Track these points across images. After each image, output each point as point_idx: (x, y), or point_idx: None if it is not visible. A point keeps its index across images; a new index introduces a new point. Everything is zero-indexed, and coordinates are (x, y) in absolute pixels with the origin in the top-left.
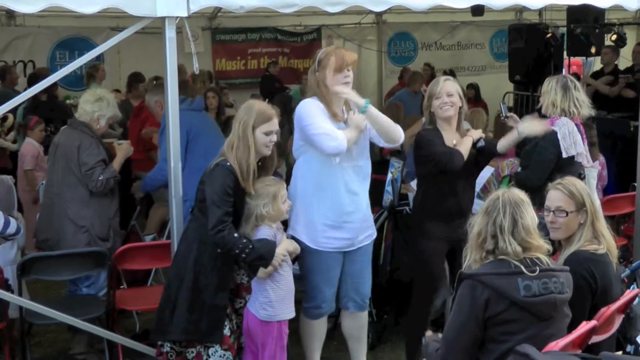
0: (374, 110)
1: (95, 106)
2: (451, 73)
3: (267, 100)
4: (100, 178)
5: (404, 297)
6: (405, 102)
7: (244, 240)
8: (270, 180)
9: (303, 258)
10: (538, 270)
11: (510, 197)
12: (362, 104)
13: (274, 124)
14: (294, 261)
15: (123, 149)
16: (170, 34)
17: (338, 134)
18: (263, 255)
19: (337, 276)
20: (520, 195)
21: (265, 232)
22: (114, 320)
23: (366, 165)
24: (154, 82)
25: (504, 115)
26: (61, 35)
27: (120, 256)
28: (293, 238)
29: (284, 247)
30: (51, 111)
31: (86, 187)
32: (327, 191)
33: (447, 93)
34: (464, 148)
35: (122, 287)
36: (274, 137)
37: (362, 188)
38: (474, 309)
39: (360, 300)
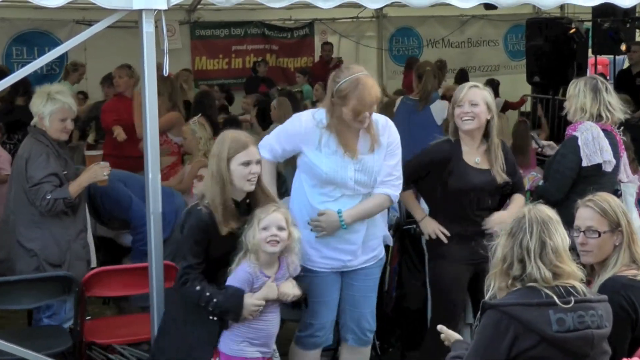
0: (352, 214)
1: (35, 106)
2: (463, 73)
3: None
4: (48, 197)
5: (413, 327)
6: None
7: (207, 294)
8: (270, 205)
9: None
10: (573, 302)
11: (537, 215)
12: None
13: (252, 153)
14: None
15: (90, 171)
16: (148, 28)
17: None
18: (229, 309)
19: (335, 300)
20: (549, 212)
21: (241, 270)
22: (81, 354)
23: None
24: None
25: (540, 147)
26: (19, 28)
27: (90, 281)
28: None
29: (262, 295)
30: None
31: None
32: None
33: (471, 102)
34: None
35: (88, 318)
36: (255, 168)
37: None
38: (498, 345)
39: (360, 333)
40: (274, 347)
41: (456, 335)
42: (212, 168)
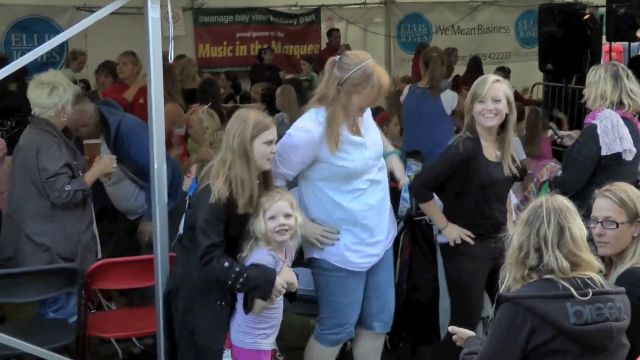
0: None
1: (54, 98)
2: (476, 60)
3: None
4: (67, 188)
5: (424, 321)
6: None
7: (237, 269)
8: (273, 192)
9: (323, 278)
10: (591, 294)
11: (554, 204)
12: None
13: (274, 132)
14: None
15: (102, 163)
16: (153, 14)
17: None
18: (260, 285)
19: (361, 297)
20: (566, 202)
21: (259, 256)
22: (85, 349)
23: (383, 177)
24: None
25: (559, 137)
26: (18, 15)
27: (95, 274)
28: (310, 260)
29: (284, 277)
30: (22, 102)
31: (48, 198)
32: (348, 214)
33: (494, 98)
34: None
35: (92, 311)
36: (274, 148)
37: (383, 196)
38: (514, 339)
39: (387, 318)
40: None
41: (469, 332)
42: (234, 146)
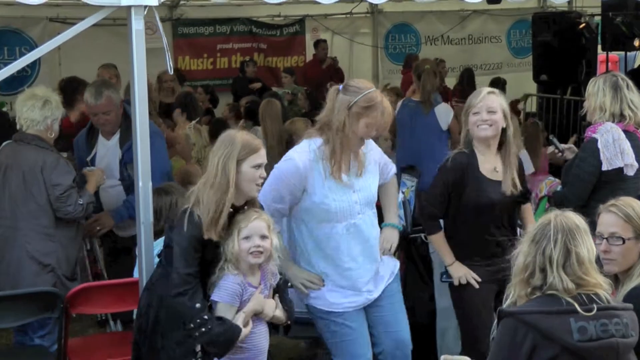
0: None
1: (46, 111)
2: (469, 72)
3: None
4: (80, 202)
5: (421, 343)
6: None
7: (204, 317)
8: (250, 211)
9: (319, 322)
10: (595, 309)
11: (563, 221)
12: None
13: (262, 156)
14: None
15: (95, 174)
16: (137, 26)
17: None
18: (219, 343)
19: (366, 330)
20: (576, 220)
21: (224, 284)
22: None
23: (372, 215)
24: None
25: (559, 149)
26: None
27: (75, 298)
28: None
29: (251, 308)
30: None
31: (51, 216)
32: (329, 258)
33: (489, 109)
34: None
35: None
36: (264, 172)
37: (372, 237)
38: (515, 355)
39: (403, 354)
40: None
41: (465, 358)
42: (216, 169)
